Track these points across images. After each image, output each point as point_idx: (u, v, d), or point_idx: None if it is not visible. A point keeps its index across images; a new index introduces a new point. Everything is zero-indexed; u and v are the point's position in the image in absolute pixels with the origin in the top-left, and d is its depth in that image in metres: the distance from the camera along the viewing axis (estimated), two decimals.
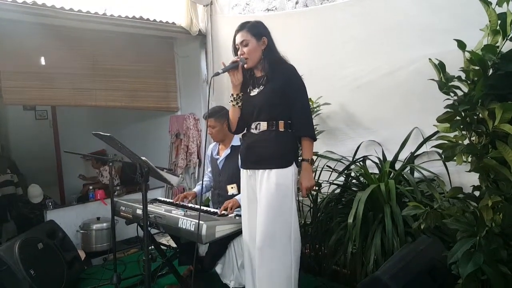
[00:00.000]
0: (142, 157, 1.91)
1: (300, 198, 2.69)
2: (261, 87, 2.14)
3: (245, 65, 2.12)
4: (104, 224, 3.72)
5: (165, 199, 2.93)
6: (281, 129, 2.09)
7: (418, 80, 2.63)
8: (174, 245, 2.94)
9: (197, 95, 4.34)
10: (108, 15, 3.50)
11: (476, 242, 1.57)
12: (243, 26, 2.14)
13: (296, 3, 3.36)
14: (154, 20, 3.79)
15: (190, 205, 2.71)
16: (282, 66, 2.14)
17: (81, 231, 3.71)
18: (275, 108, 2.09)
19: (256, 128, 2.14)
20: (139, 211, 2.59)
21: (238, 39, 2.13)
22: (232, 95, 2.20)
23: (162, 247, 2.84)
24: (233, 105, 2.20)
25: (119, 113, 5.15)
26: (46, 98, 3.76)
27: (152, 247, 2.75)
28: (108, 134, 1.92)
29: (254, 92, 2.17)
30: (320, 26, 3.17)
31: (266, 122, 2.10)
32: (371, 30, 2.87)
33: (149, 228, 2.21)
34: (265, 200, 2.06)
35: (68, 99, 3.85)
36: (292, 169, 2.09)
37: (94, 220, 3.78)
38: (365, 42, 2.90)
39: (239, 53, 2.14)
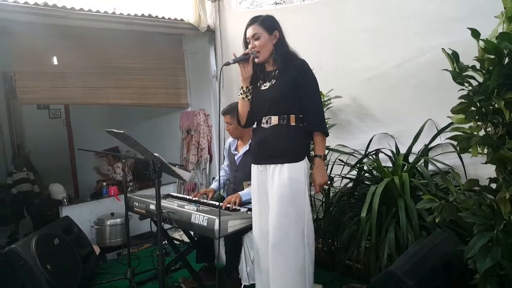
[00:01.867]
0: (154, 153, 1.92)
1: (312, 193, 2.67)
2: (273, 81, 2.12)
3: (256, 59, 2.09)
4: (118, 220, 3.77)
5: (177, 195, 2.94)
6: (292, 123, 2.07)
7: (430, 71, 2.58)
8: (187, 240, 2.96)
9: (207, 90, 4.34)
10: (118, 14, 3.51)
11: (493, 236, 1.53)
12: (255, 20, 2.12)
13: None
14: (163, 18, 3.79)
15: (203, 200, 2.71)
16: (294, 60, 2.12)
17: (96, 227, 3.77)
18: (287, 102, 2.07)
19: (267, 122, 2.11)
20: (152, 207, 2.61)
21: (250, 32, 2.11)
22: (242, 87, 2.17)
23: (175, 242, 2.86)
24: (243, 98, 2.17)
25: (130, 110, 5.19)
26: (59, 97, 3.81)
27: (166, 242, 2.78)
28: (122, 131, 1.94)
29: (265, 86, 2.15)
30: (329, 19, 3.14)
31: (277, 116, 2.08)
32: (381, 21, 2.82)
33: (162, 223, 2.23)
34: (278, 195, 2.03)
35: (80, 98, 3.90)
36: (304, 163, 2.07)
37: (108, 215, 3.84)
38: (375, 33, 2.86)
39: (250, 46, 2.11)
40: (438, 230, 2.12)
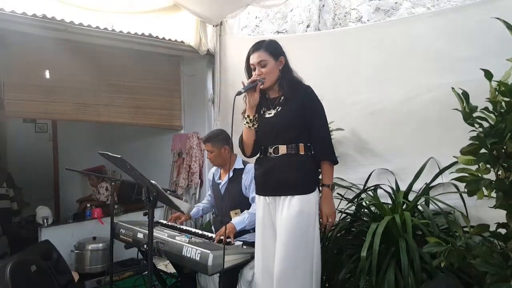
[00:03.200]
0: (152, 181, 1.80)
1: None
2: (278, 108, 2.05)
3: (262, 86, 2.02)
4: (100, 245, 3.57)
5: (167, 223, 2.80)
6: (302, 152, 2.00)
7: (435, 108, 2.56)
8: (173, 270, 2.79)
9: (202, 114, 4.28)
10: (117, 31, 3.45)
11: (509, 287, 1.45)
12: (260, 46, 2.06)
13: (308, 26, 3.33)
14: (163, 38, 3.75)
15: (195, 230, 2.57)
16: (300, 86, 2.06)
17: (76, 251, 3.55)
18: (295, 130, 2.00)
19: (274, 151, 2.03)
20: (140, 235, 2.47)
21: (255, 59, 2.04)
22: (248, 116, 2.08)
23: (161, 274, 2.69)
24: (249, 127, 2.09)
25: (120, 129, 5.06)
26: (49, 112, 3.68)
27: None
28: (119, 156, 1.82)
29: (270, 113, 2.07)
30: (332, 50, 3.12)
31: (285, 146, 2.00)
32: (386, 56, 2.81)
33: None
34: (286, 230, 1.93)
35: (71, 114, 3.78)
36: (315, 195, 1.98)
37: (90, 239, 3.64)
38: (379, 67, 2.84)
39: (255, 73, 2.04)
40: (441, 275, 2.03)
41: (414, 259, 2.17)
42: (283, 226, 1.95)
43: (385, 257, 2.32)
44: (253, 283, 2.33)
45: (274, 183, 2.01)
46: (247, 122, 2.09)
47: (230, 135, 2.06)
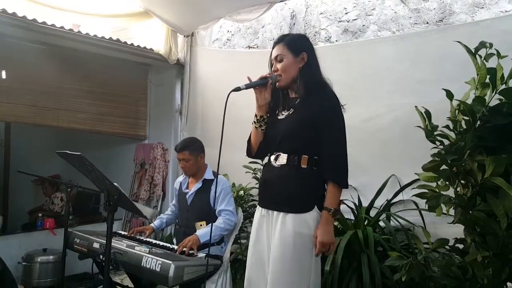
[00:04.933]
0: (114, 183, 1.71)
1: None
2: (291, 111, 1.79)
3: (277, 84, 1.78)
4: (51, 257, 3.35)
5: (125, 233, 2.67)
6: (304, 165, 1.72)
7: (397, 128, 2.66)
8: (131, 285, 2.65)
9: (168, 124, 4.19)
10: (83, 33, 3.34)
11: None
12: (282, 39, 1.82)
13: None
14: (132, 44, 3.67)
15: (156, 241, 2.47)
16: (321, 90, 1.77)
17: (23, 263, 3.30)
18: (300, 139, 1.73)
19: (275, 160, 1.79)
20: (96, 245, 2.33)
21: (274, 53, 1.80)
22: (256, 116, 1.84)
23: (118, 287, 2.55)
24: (256, 127, 1.85)
25: (80, 136, 4.84)
26: (2, 114, 3.46)
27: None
28: (78, 153, 1.71)
29: (283, 115, 1.82)
30: None
31: (286, 155, 1.75)
32: (352, 76, 2.89)
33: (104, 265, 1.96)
34: (279, 252, 1.68)
35: (27, 117, 3.57)
36: (313, 215, 1.69)
37: (40, 251, 3.40)
38: (346, 86, 2.88)
39: (272, 69, 1.81)
40: None
41: (375, 273, 2.20)
42: (275, 248, 1.70)
43: (347, 272, 2.33)
44: None
45: (269, 196, 1.80)
46: (254, 122, 1.86)
47: (221, 135, 1.76)
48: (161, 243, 2.42)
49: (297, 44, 1.80)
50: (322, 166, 1.73)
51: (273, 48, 1.82)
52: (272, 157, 1.81)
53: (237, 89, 1.72)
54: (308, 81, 1.76)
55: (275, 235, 1.71)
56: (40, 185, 4.66)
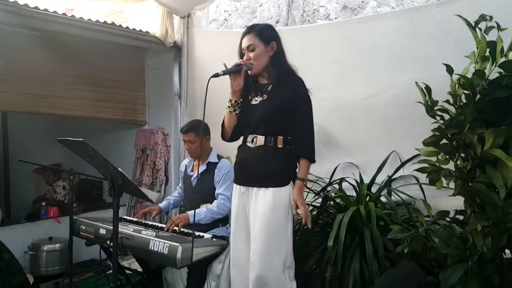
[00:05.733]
0: (118, 168, 1.72)
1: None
2: (265, 97, 2.00)
3: (250, 71, 1.96)
4: (57, 245, 3.38)
5: (132, 218, 2.70)
6: (280, 145, 1.95)
7: (397, 104, 2.67)
8: (139, 268, 2.70)
9: (167, 109, 4.16)
10: (77, 17, 3.27)
11: (468, 268, 1.53)
12: (251, 29, 1.99)
13: (277, 22, 3.35)
14: (127, 28, 3.61)
15: (162, 225, 2.50)
16: (290, 77, 2.00)
17: (30, 253, 3.33)
18: (276, 123, 1.96)
19: (252, 141, 1.99)
20: (103, 231, 2.36)
21: (245, 43, 1.98)
22: (230, 101, 2.03)
23: (127, 271, 2.59)
24: (230, 112, 2.04)
25: (79, 124, 4.82)
26: None
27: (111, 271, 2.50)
28: (81, 140, 1.72)
29: (256, 101, 2.02)
30: (299, 46, 3.14)
31: (263, 137, 1.96)
32: (351, 53, 2.89)
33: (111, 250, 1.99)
34: (261, 223, 1.91)
35: (23, 105, 3.51)
36: (289, 189, 1.95)
37: (46, 240, 3.43)
38: (345, 64, 2.92)
39: (244, 58, 1.98)
40: (404, 261, 2.11)
41: (378, 247, 2.25)
42: (257, 219, 1.92)
43: (350, 247, 2.38)
44: (222, 276, 2.32)
45: (249, 174, 1.99)
46: (228, 107, 2.03)
47: (202, 120, 2.02)
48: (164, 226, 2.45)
49: (267, 34, 1.99)
50: (297, 145, 1.99)
51: (242, 38, 2.00)
52: (249, 139, 2.00)
53: (216, 75, 1.89)
54: (279, 69, 1.97)
55: (257, 209, 1.93)
56: (42, 174, 4.68)
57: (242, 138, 2.09)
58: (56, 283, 3.23)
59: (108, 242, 2.20)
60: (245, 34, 2.00)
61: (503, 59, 1.65)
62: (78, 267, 3.60)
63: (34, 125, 5.20)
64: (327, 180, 2.87)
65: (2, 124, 5.02)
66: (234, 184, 2.11)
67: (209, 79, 1.87)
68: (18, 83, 3.43)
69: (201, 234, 2.26)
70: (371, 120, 2.80)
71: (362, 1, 2.89)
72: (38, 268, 3.31)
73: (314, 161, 2.02)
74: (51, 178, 4.57)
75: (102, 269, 3.20)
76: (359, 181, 2.79)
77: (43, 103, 3.62)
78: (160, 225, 2.53)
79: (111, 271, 2.65)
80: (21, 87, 3.45)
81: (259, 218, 1.91)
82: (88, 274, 3.55)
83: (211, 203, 2.53)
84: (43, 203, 3.98)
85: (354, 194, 2.71)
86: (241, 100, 2.03)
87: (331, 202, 2.75)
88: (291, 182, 1.97)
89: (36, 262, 3.32)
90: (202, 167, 2.61)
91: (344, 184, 2.80)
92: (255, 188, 1.96)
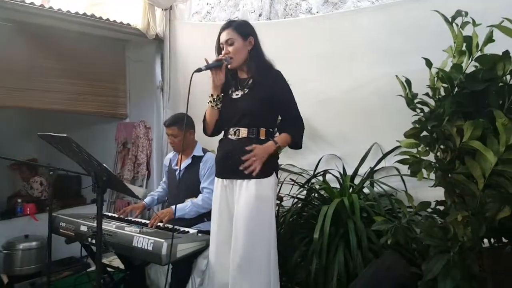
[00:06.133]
0: (103, 164, 1.69)
1: None
2: (246, 90, 2.03)
3: (229, 65, 1.99)
4: (34, 243, 3.29)
5: (113, 215, 2.66)
6: (262, 137, 2.00)
7: (378, 97, 2.70)
8: (121, 266, 2.66)
9: (150, 102, 4.11)
10: (55, 9, 3.18)
11: (450, 258, 1.58)
12: (229, 24, 2.03)
13: (260, 15, 3.33)
14: (107, 19, 3.53)
15: (145, 221, 2.47)
16: (269, 70, 2.05)
17: (4, 251, 3.23)
18: (259, 115, 2.00)
19: (235, 134, 2.01)
20: (84, 228, 2.30)
21: (223, 37, 2.01)
22: (212, 95, 2.05)
23: (109, 269, 2.55)
24: (212, 106, 2.06)
25: (57, 117, 4.68)
26: None
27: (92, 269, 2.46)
28: (65, 135, 1.68)
29: (237, 94, 2.05)
30: (283, 40, 3.16)
31: (246, 129, 1.99)
32: (334, 47, 2.90)
33: (93, 248, 1.96)
34: (244, 213, 1.93)
35: None
36: (272, 179, 2.00)
37: (22, 238, 3.32)
38: (328, 57, 2.93)
39: (223, 52, 2.00)
40: (388, 252, 2.15)
41: (362, 239, 2.28)
42: (241, 210, 1.94)
43: (334, 239, 2.41)
44: (207, 272, 2.31)
45: (232, 166, 1.99)
46: (210, 101, 2.05)
47: (185, 111, 2.03)
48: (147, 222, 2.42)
49: (245, 29, 2.03)
50: (285, 127, 2.06)
51: (220, 33, 2.02)
52: (231, 131, 2.02)
53: (199, 70, 1.92)
54: (258, 63, 2.02)
55: (240, 201, 1.95)
56: (17, 170, 4.54)
57: (223, 131, 2.11)
58: (32, 282, 3.13)
59: (89, 239, 2.16)
60: (223, 29, 2.03)
61: (479, 53, 1.70)
62: (56, 265, 3.48)
63: (8, 119, 5.03)
64: (311, 173, 2.90)
65: None
66: (216, 178, 2.11)
67: (192, 74, 1.89)
68: None
69: (186, 229, 2.24)
70: (353, 113, 2.83)
71: None
72: (12, 268, 3.21)
73: (299, 146, 2.10)
74: (27, 173, 4.44)
75: (82, 267, 3.14)
76: (342, 173, 2.83)
77: (19, 96, 3.51)
78: (143, 221, 2.49)
79: (91, 269, 2.61)
80: None
81: (242, 208, 1.94)
82: (66, 272, 3.46)
83: (196, 197, 2.51)
84: (19, 200, 3.85)
85: (338, 186, 2.74)
86: (222, 94, 2.06)
87: (316, 194, 2.79)
88: (274, 173, 2.02)
89: (11, 261, 3.22)
90: (187, 161, 2.59)
91: (328, 176, 2.84)
92: (238, 180, 1.98)
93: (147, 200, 2.75)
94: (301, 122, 2.10)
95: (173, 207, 2.37)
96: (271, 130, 2.05)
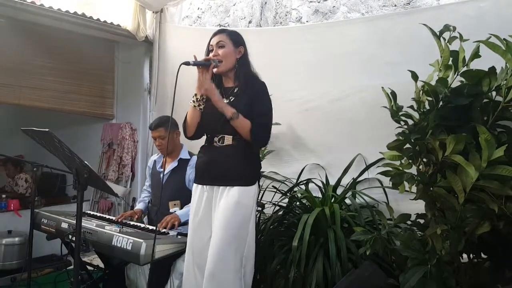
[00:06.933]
0: (84, 161, 1.67)
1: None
2: (231, 99, 2.00)
3: (216, 69, 1.95)
4: (16, 239, 3.28)
5: (95, 213, 2.63)
6: (247, 145, 1.98)
7: (364, 108, 2.72)
8: (101, 265, 2.63)
9: (137, 104, 4.10)
10: (46, 6, 3.16)
11: (427, 270, 1.58)
12: (223, 30, 2.06)
13: (250, 22, 3.35)
14: (98, 20, 3.52)
15: (126, 221, 2.45)
16: (255, 81, 2.04)
17: None
18: None
19: (219, 141, 1.99)
20: (65, 225, 2.29)
21: (215, 40, 2.00)
22: (195, 95, 2.00)
23: (88, 267, 2.52)
24: (194, 106, 2.01)
25: (44, 115, 4.63)
26: None
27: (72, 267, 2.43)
28: (46, 130, 1.66)
29: None
30: (272, 47, 3.18)
31: (231, 136, 1.96)
32: (321, 57, 2.92)
33: (73, 245, 1.93)
34: (222, 220, 1.90)
35: None
36: (254, 188, 1.98)
37: (5, 233, 3.32)
38: (315, 67, 2.95)
39: (212, 54, 1.98)
40: (366, 262, 2.15)
41: (341, 249, 2.27)
42: (219, 217, 1.92)
43: (314, 248, 2.40)
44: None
45: (215, 173, 1.97)
46: (193, 101, 2.01)
47: (171, 110, 1.96)
48: (132, 223, 2.41)
49: (237, 38, 2.04)
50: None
51: (212, 38, 2.02)
52: (216, 139, 1.99)
53: (187, 63, 1.86)
54: (246, 73, 2.02)
55: (219, 207, 1.93)
56: (3, 166, 4.49)
57: (205, 138, 2.09)
58: (13, 277, 3.11)
59: (70, 236, 2.13)
60: (216, 33, 2.03)
61: (465, 68, 1.72)
62: (37, 262, 3.47)
63: None
64: (294, 181, 2.90)
65: None
66: (195, 185, 2.08)
67: (180, 66, 1.85)
68: None
69: (166, 230, 2.22)
70: (338, 123, 2.85)
71: (333, 6, 2.94)
72: None
73: (252, 145, 1.97)
74: (12, 170, 4.40)
75: (62, 265, 3.10)
76: (325, 182, 2.84)
77: (8, 93, 3.51)
78: (124, 221, 2.47)
79: (71, 266, 2.57)
80: None
81: (221, 215, 1.91)
82: (48, 269, 3.44)
83: (180, 200, 2.49)
84: (3, 196, 3.84)
85: (320, 195, 2.75)
86: (206, 96, 2.00)
87: (297, 203, 2.78)
88: (257, 182, 2.01)
89: None
90: (173, 164, 2.57)
91: (311, 185, 2.83)
92: (220, 187, 1.96)
93: (140, 206, 2.72)
94: (266, 130, 1.97)
95: (178, 212, 2.37)
96: None
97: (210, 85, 1.91)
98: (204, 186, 2.02)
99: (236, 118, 1.88)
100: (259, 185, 2.04)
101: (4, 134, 4.73)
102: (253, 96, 1.97)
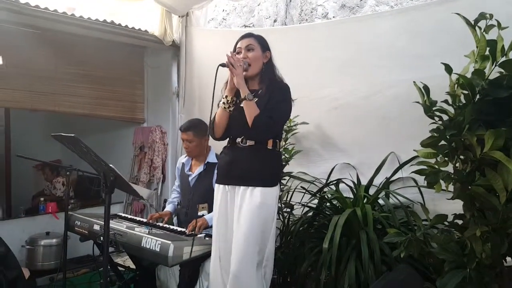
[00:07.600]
0: (110, 164, 1.70)
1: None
2: (255, 99, 1.98)
3: (245, 72, 1.98)
4: (54, 240, 3.40)
5: (126, 215, 2.68)
6: (269, 146, 1.99)
7: (396, 104, 2.63)
8: (132, 266, 2.68)
9: (166, 107, 4.16)
10: (77, 16, 3.27)
11: (466, 274, 1.49)
12: (250, 34, 2.09)
13: (275, 21, 3.32)
14: (126, 26, 3.60)
15: (155, 223, 2.48)
16: (279, 84, 2.06)
17: (27, 247, 3.35)
18: None
19: (242, 142, 2.00)
20: (97, 227, 2.35)
21: (244, 43, 2.03)
22: (226, 97, 2.02)
23: (120, 268, 2.57)
24: (224, 107, 2.02)
25: (78, 121, 4.83)
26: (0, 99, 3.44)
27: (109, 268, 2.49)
28: (72, 135, 1.71)
29: None
30: (298, 45, 3.13)
31: (253, 141, 1.98)
32: (350, 52, 2.85)
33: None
34: (246, 220, 1.91)
35: (24, 102, 3.54)
36: (277, 190, 1.99)
37: (43, 235, 3.45)
38: (344, 63, 2.88)
39: (241, 56, 2.01)
40: (401, 265, 2.06)
41: (375, 251, 2.20)
42: (242, 217, 1.93)
43: (346, 250, 2.34)
44: None
45: (238, 173, 1.98)
46: (223, 103, 2.03)
47: (210, 111, 2.01)
48: (161, 225, 2.43)
49: (264, 43, 2.08)
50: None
51: (238, 41, 2.06)
52: (239, 140, 2.00)
53: (223, 65, 1.93)
54: (271, 77, 2.05)
55: (242, 208, 1.94)
56: (41, 170, 4.69)
57: (228, 139, 2.10)
58: (51, 277, 3.21)
59: (101, 238, 2.18)
60: (244, 36, 2.07)
61: (504, 58, 1.60)
62: (74, 262, 3.60)
63: (35, 122, 5.22)
64: (324, 181, 2.83)
65: (5, 120, 5.03)
66: (217, 185, 2.09)
67: (218, 67, 1.92)
68: (20, 81, 3.46)
69: (194, 232, 2.22)
70: (369, 120, 2.76)
71: (361, 0, 2.85)
72: (34, 263, 3.33)
73: (253, 131, 1.94)
74: (49, 174, 4.58)
75: (95, 265, 3.19)
76: (356, 182, 2.75)
77: (45, 100, 3.65)
78: (154, 223, 2.50)
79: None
80: (23, 84, 3.49)
81: (244, 217, 1.92)
82: (84, 269, 3.54)
83: (208, 203, 2.49)
84: (42, 199, 4.00)
85: (351, 195, 2.66)
86: (235, 98, 2.04)
87: (328, 204, 2.72)
88: (279, 184, 2.03)
89: (33, 256, 3.34)
90: (200, 168, 2.57)
91: (341, 186, 2.76)
92: (242, 187, 1.97)
93: (169, 207, 2.74)
94: (269, 125, 1.94)
95: (206, 216, 2.38)
96: (277, 141, 2.04)
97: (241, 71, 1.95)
98: (226, 186, 2.03)
99: (249, 99, 1.90)
100: (280, 185, 2.07)
101: (43, 139, 4.94)
102: (273, 102, 1.97)
